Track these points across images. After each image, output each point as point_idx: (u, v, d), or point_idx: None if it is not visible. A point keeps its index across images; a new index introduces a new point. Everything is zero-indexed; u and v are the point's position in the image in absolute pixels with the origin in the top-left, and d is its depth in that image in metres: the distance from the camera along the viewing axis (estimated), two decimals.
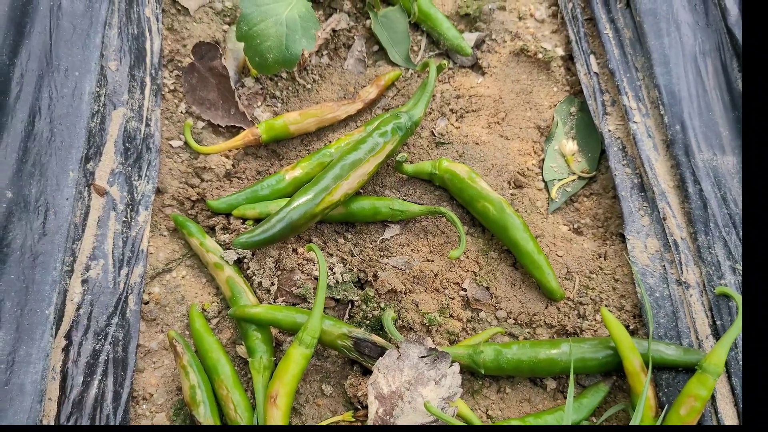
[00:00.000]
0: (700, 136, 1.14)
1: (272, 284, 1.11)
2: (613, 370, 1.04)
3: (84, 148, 1.09)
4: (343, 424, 1.03)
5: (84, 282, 1.04)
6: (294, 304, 1.10)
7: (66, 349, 0.99)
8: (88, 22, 1.18)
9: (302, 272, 1.11)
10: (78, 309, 1.02)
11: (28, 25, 1.11)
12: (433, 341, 1.07)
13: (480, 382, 1.07)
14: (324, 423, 1.03)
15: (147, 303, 1.11)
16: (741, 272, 1.04)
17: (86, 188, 1.10)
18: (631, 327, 1.08)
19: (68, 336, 1.00)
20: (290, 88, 1.32)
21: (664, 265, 1.09)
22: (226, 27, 1.39)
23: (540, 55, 1.34)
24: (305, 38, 1.22)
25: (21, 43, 1.09)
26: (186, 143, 1.26)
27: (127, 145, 1.17)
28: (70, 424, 0.95)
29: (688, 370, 1.01)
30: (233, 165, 1.24)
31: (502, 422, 1.02)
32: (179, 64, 1.33)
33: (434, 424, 0.95)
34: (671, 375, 1.02)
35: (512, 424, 1.00)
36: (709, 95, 1.18)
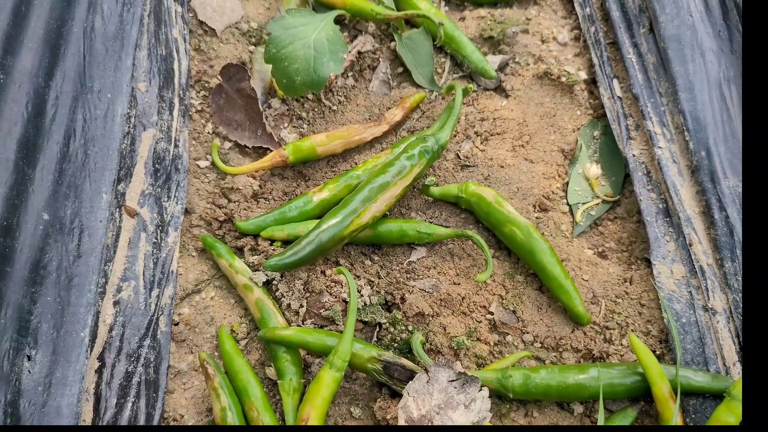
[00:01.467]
0: (725, 163, 1.15)
1: (301, 306, 1.12)
2: (641, 395, 1.04)
3: (116, 170, 1.10)
4: None
5: (116, 303, 1.05)
6: (322, 326, 1.11)
7: (99, 371, 1.00)
8: (119, 44, 1.19)
9: (331, 294, 1.12)
10: (110, 330, 1.03)
11: (63, 47, 1.12)
12: (462, 365, 1.08)
13: (507, 406, 1.07)
14: None
15: (177, 324, 1.12)
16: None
17: (117, 210, 1.11)
18: (657, 352, 1.09)
19: (101, 358, 1.01)
20: (316, 109, 1.33)
21: (690, 291, 1.10)
22: (252, 48, 1.40)
23: (563, 79, 1.35)
24: (333, 61, 1.24)
25: (56, 65, 1.10)
26: (213, 164, 1.27)
27: (156, 166, 1.18)
28: None
29: (716, 396, 1.02)
30: (260, 186, 1.25)
31: None
32: (206, 85, 1.34)
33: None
34: (698, 401, 1.03)
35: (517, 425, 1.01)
36: (734, 122, 1.19)
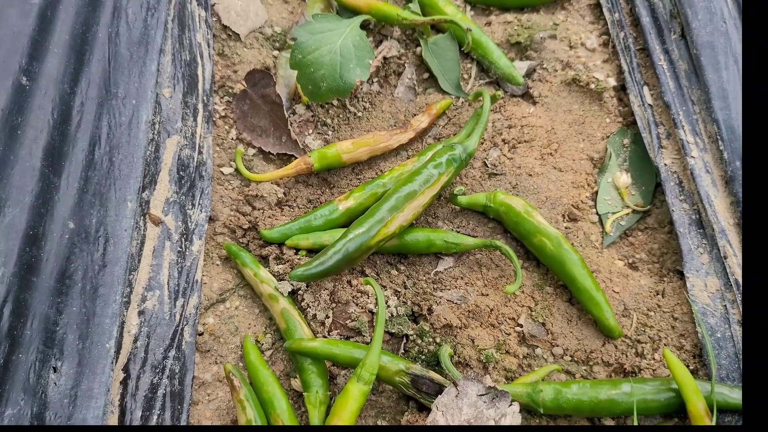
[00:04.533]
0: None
1: (327, 317, 1.10)
2: (675, 412, 1.02)
3: (141, 178, 1.08)
4: None
5: (140, 313, 1.04)
6: (348, 338, 1.09)
7: (124, 383, 0.99)
8: (144, 49, 1.18)
9: (357, 305, 1.10)
10: (135, 341, 1.02)
11: (88, 52, 1.11)
12: (491, 378, 1.06)
13: (537, 421, 1.05)
14: None
15: (201, 334, 1.10)
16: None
17: (142, 218, 1.10)
18: (691, 367, 1.07)
19: (126, 369, 0.99)
20: (341, 115, 1.32)
21: (725, 305, 1.08)
22: (276, 53, 1.38)
23: (592, 86, 1.33)
24: (359, 67, 1.22)
25: (81, 70, 1.09)
26: (237, 170, 1.26)
27: (180, 173, 1.17)
28: None
29: None
30: (284, 193, 1.24)
31: None
32: (230, 90, 1.32)
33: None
34: (734, 418, 1.00)
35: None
36: None
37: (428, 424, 0.96)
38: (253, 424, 0.99)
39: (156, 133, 1.16)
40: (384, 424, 1.05)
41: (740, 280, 1.08)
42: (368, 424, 1.05)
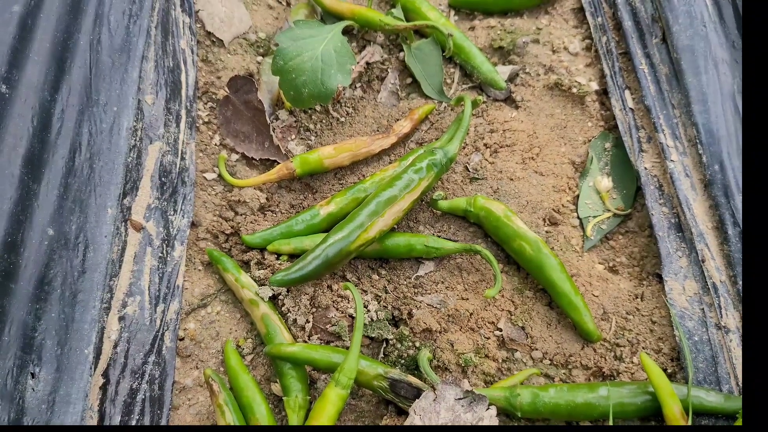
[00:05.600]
0: (739, 177, 1.13)
1: (307, 321, 1.11)
2: (652, 415, 1.02)
3: (122, 184, 1.09)
4: None
5: (121, 319, 1.05)
6: (329, 342, 1.10)
7: (104, 388, 0.99)
8: (126, 56, 1.18)
9: (337, 310, 1.11)
10: (115, 347, 1.03)
11: (69, 60, 1.12)
12: (469, 382, 1.07)
13: (515, 424, 1.06)
14: None
15: (182, 339, 1.11)
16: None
17: (123, 224, 1.10)
18: (669, 370, 1.07)
19: (106, 374, 1.00)
20: (324, 121, 1.32)
21: (703, 309, 1.08)
22: (260, 59, 1.39)
23: (574, 90, 1.33)
24: (341, 73, 1.23)
25: (62, 78, 1.09)
26: (220, 176, 1.26)
27: (163, 179, 1.17)
28: None
29: (729, 417, 1.00)
30: (267, 198, 1.24)
31: None
32: (213, 96, 1.33)
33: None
34: (710, 421, 1.01)
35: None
36: None
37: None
38: None
39: (138, 139, 1.17)
40: None
41: (717, 283, 1.08)
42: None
